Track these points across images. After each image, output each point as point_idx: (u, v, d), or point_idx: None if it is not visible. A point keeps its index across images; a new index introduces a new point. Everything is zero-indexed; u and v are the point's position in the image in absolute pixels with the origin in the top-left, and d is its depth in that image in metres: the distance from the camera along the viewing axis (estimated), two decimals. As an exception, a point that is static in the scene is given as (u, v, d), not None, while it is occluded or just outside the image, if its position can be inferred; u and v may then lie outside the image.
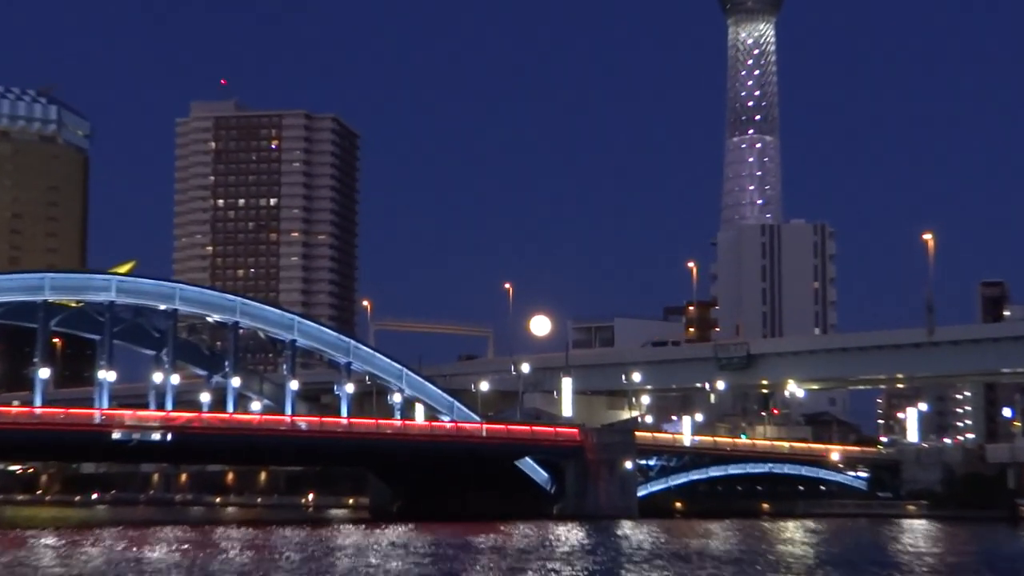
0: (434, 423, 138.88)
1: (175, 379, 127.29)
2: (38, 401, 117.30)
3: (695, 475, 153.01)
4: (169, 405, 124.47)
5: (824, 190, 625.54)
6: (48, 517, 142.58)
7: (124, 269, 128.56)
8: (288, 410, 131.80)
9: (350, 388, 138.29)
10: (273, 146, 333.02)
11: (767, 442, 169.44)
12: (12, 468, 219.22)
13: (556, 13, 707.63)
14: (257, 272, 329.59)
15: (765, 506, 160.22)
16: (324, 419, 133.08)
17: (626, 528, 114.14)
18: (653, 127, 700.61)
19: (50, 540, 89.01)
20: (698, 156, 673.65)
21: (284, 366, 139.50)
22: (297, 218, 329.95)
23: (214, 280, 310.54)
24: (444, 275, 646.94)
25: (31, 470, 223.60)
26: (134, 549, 78.95)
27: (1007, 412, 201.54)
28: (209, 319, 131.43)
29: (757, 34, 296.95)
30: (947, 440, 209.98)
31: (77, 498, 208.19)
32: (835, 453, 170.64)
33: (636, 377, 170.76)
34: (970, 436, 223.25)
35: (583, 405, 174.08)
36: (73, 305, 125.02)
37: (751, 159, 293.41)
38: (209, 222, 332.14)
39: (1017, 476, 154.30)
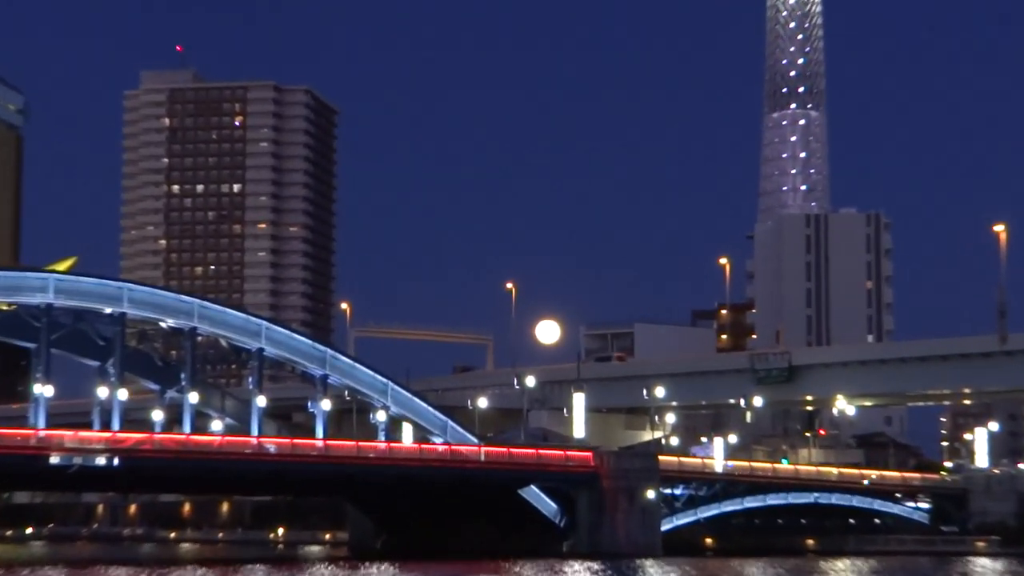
0: (424, 446, 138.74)
1: (123, 394, 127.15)
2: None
3: (728, 506, 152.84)
4: (116, 425, 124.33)
5: (878, 174, 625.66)
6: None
7: (63, 266, 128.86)
8: (254, 430, 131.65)
9: (326, 405, 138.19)
10: (237, 123, 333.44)
11: (812, 468, 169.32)
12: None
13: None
14: (218, 270, 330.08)
15: (810, 542, 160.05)
16: (296, 441, 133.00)
17: (648, 568, 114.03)
18: (677, 101, 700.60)
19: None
20: (731, 135, 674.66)
21: (250, 379, 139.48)
22: (265, 207, 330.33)
23: (168, 279, 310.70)
24: (436, 274, 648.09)
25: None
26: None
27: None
28: (162, 324, 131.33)
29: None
30: (1021, 465, 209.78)
31: (8, 533, 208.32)
32: (892, 480, 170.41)
33: (659, 392, 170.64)
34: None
35: (598, 425, 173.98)
36: (4, 308, 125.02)
37: (793, 138, 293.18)
38: (162, 211, 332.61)
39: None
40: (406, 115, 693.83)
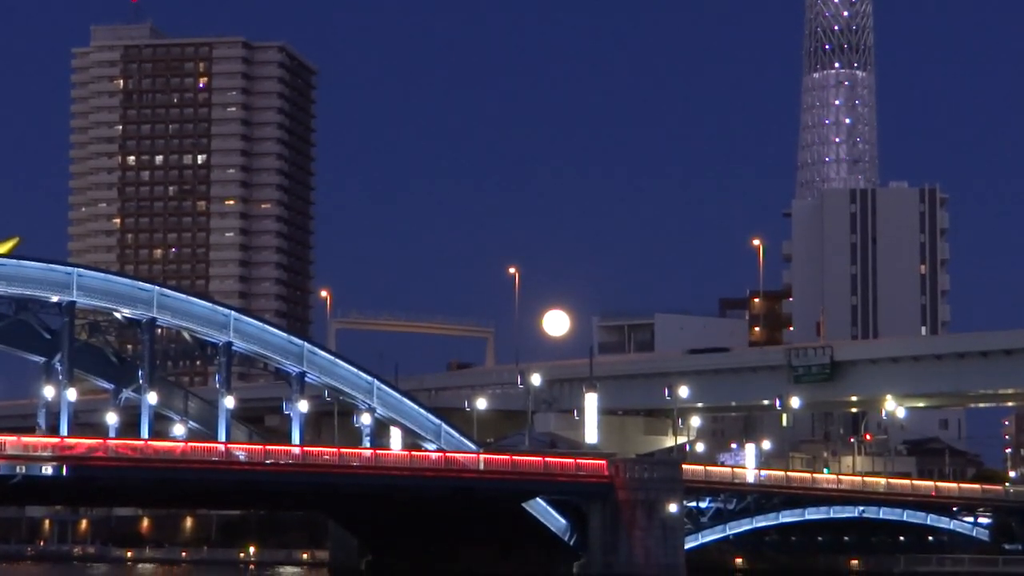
0: (415, 453, 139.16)
1: (72, 394, 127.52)
2: None
3: (761, 521, 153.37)
4: (64, 429, 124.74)
5: (933, 143, 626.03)
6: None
7: (3, 248, 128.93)
8: (222, 435, 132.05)
9: (304, 406, 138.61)
10: (201, 85, 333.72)
11: (857, 478, 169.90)
12: None
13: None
14: (181, 253, 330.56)
15: (854, 563, 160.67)
16: (269, 447, 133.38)
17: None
18: (703, 60, 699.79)
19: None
20: (766, 98, 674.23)
21: (216, 377, 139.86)
22: (233, 181, 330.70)
23: (124, 264, 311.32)
24: (428, 257, 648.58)
25: None
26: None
27: None
28: (117, 315, 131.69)
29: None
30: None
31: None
32: (948, 492, 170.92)
33: (683, 392, 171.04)
34: None
35: (613, 429, 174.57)
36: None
37: (837, 102, 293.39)
38: (116, 186, 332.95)
39: None
40: (393, 75, 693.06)
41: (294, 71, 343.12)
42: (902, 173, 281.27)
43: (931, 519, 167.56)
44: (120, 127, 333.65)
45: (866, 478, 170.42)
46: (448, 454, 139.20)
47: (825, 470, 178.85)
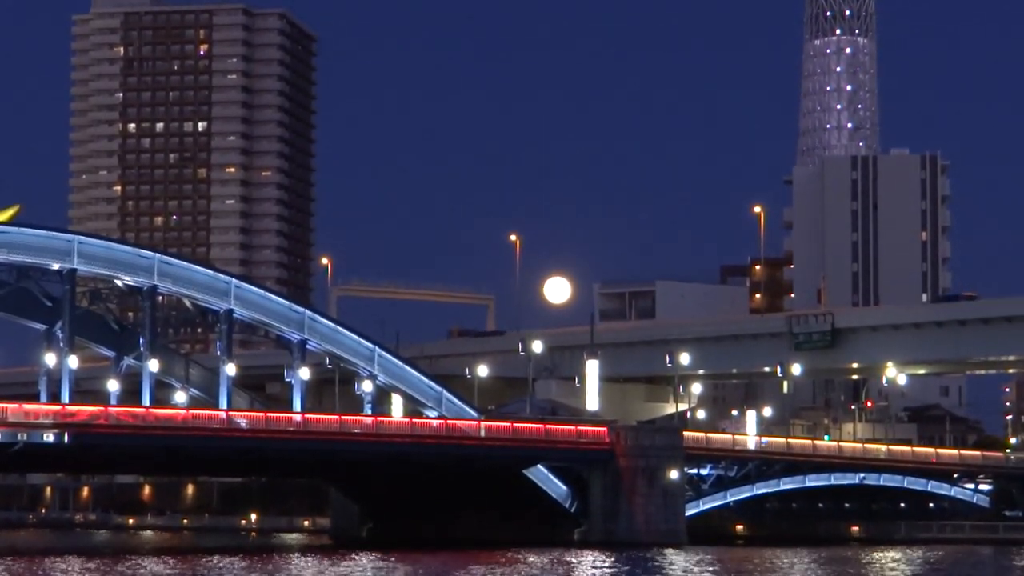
0: (416, 420, 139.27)
1: (73, 362, 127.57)
2: None
3: (762, 488, 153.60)
4: (66, 396, 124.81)
5: (935, 110, 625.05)
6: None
7: (4, 216, 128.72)
8: (223, 402, 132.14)
9: (305, 374, 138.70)
10: (201, 52, 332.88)
11: (858, 445, 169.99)
12: None
13: None
14: (181, 220, 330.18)
15: (855, 529, 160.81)
16: (271, 415, 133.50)
17: (670, 559, 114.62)
18: (704, 27, 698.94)
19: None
20: (766, 65, 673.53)
21: (217, 345, 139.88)
22: (234, 148, 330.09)
23: (124, 231, 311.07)
24: (429, 225, 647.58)
25: None
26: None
27: None
28: (118, 282, 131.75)
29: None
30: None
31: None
32: (948, 459, 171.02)
33: (684, 359, 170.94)
34: None
35: (614, 396, 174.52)
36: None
37: (838, 69, 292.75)
38: (117, 153, 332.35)
39: None
40: (394, 42, 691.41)
41: (294, 38, 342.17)
42: (903, 140, 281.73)
43: (932, 486, 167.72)
44: (120, 94, 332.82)
45: (867, 445, 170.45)
46: (449, 421, 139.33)
47: (826, 437, 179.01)
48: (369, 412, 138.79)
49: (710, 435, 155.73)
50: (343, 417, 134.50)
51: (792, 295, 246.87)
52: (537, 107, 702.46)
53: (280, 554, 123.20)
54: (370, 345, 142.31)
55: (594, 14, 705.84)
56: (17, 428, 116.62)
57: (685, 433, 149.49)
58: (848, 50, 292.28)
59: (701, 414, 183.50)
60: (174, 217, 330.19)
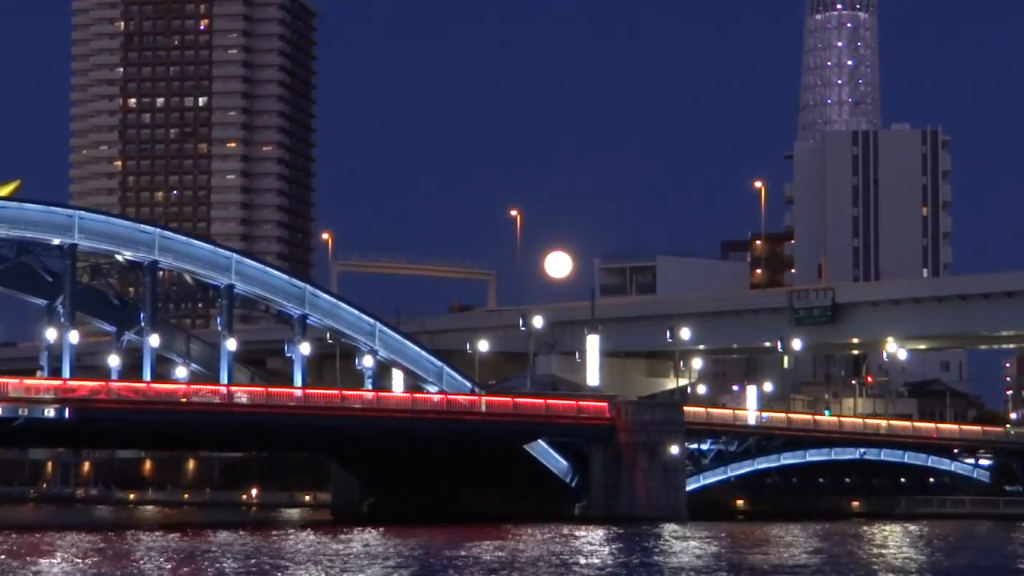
0: (417, 395, 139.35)
1: (74, 337, 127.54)
2: None
3: (763, 463, 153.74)
4: (67, 371, 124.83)
5: (936, 85, 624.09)
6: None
7: (5, 191, 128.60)
8: (224, 377, 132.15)
9: (306, 349, 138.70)
10: (202, 27, 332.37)
11: (858, 420, 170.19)
12: None
13: None
14: (182, 195, 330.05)
15: (855, 504, 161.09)
16: (271, 390, 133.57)
17: (670, 534, 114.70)
18: (704, 1, 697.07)
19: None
20: (767, 40, 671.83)
21: (218, 320, 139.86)
22: (234, 123, 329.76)
23: (125, 206, 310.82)
24: (430, 200, 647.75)
25: None
26: (17, 562, 79.40)
27: None
28: (119, 257, 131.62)
29: None
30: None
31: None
32: (948, 434, 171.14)
33: (685, 334, 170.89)
34: None
35: (615, 371, 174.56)
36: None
37: (839, 44, 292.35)
38: (117, 128, 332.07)
39: None
40: (394, 17, 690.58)
41: (295, 13, 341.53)
42: (904, 115, 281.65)
43: (932, 461, 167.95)
44: (121, 69, 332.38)
45: (867, 420, 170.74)
46: (450, 396, 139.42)
47: (826, 412, 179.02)
48: (370, 387, 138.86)
49: (711, 410, 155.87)
50: (344, 392, 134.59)
51: (793, 270, 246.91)
52: (538, 82, 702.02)
53: (280, 529, 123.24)
54: (371, 320, 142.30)
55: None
56: (18, 403, 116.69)
57: (686, 408, 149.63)
58: (849, 25, 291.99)
59: (702, 389, 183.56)
60: (174, 192, 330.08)
